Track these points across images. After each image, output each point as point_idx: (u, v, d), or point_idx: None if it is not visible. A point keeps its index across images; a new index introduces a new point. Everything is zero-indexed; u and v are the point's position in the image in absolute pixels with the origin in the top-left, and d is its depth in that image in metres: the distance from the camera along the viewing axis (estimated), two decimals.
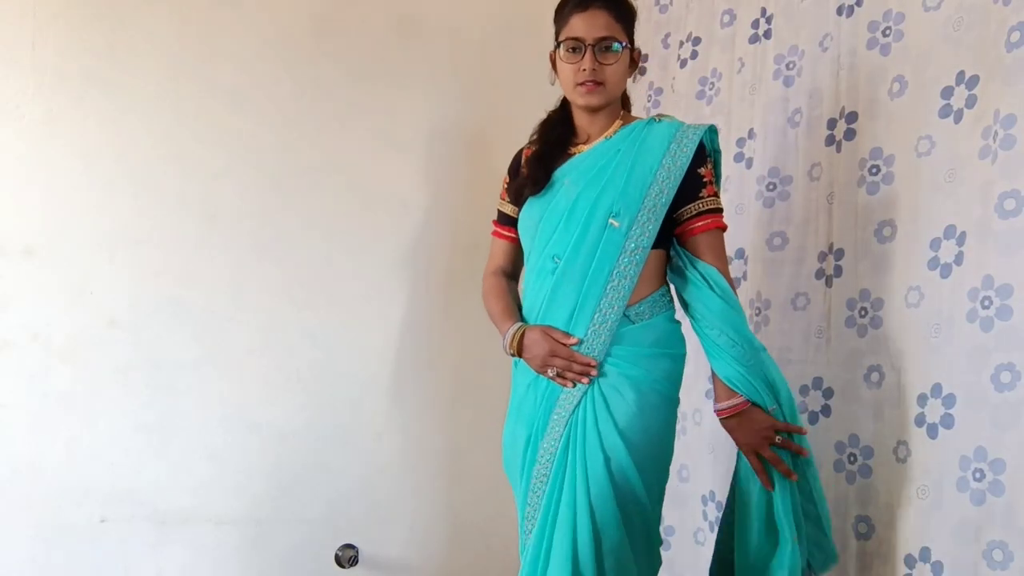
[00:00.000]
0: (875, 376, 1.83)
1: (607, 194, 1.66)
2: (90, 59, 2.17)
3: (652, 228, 1.66)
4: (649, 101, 2.57)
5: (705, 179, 1.70)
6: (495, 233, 1.90)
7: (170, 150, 2.23)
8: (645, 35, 2.60)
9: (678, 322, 1.74)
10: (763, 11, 2.18)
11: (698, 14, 2.41)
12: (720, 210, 1.71)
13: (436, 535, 2.48)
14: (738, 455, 1.72)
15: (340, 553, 2.37)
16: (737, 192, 2.20)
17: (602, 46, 1.67)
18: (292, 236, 2.34)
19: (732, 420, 1.66)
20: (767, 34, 2.16)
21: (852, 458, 1.87)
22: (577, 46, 1.67)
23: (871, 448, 1.83)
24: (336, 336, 2.38)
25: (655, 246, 1.68)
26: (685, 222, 1.69)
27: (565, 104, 1.81)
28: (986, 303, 1.56)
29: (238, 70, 2.29)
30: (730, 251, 2.21)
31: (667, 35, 2.53)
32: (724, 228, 1.72)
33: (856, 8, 1.93)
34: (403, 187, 2.41)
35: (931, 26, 1.75)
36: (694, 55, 2.41)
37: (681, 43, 2.46)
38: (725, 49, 2.30)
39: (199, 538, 2.27)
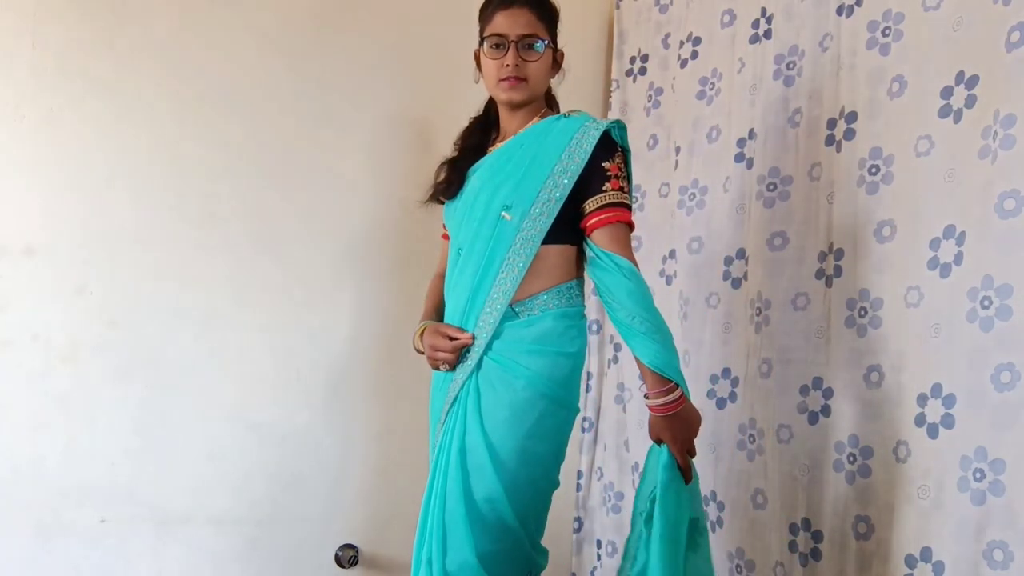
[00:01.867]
0: (875, 376, 1.83)
1: (503, 187, 1.69)
2: (90, 59, 2.17)
3: (544, 222, 1.65)
4: (649, 101, 2.57)
5: (610, 173, 1.67)
6: (444, 235, 1.94)
7: (170, 150, 2.24)
8: (645, 35, 2.60)
9: (575, 320, 1.70)
10: (763, 11, 2.17)
11: (698, 14, 2.41)
12: (625, 205, 1.67)
13: None
14: (650, 455, 1.67)
15: (340, 553, 2.37)
16: (738, 192, 2.20)
17: (525, 43, 1.69)
18: (292, 236, 2.35)
19: (669, 417, 1.60)
20: (767, 34, 2.16)
21: (852, 458, 1.87)
22: (501, 43, 1.69)
23: (871, 448, 1.83)
24: (336, 336, 2.38)
25: (561, 241, 1.68)
26: (588, 215, 1.66)
27: (488, 108, 1.85)
28: (986, 303, 1.56)
29: (238, 70, 2.30)
30: (730, 251, 2.21)
31: (667, 35, 2.53)
32: (629, 223, 1.68)
33: (856, 8, 1.93)
34: (404, 188, 2.41)
35: (931, 26, 1.75)
36: (694, 55, 2.41)
37: (681, 43, 2.46)
38: (725, 49, 2.30)
39: (199, 538, 2.27)
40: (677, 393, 1.60)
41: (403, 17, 2.46)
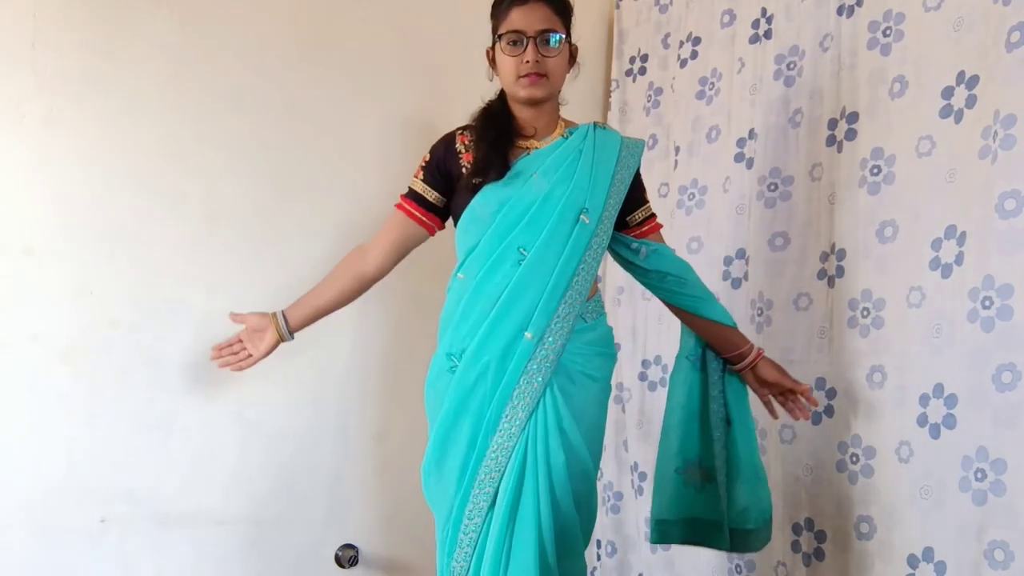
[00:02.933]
0: (877, 376, 1.83)
1: (579, 191, 1.69)
2: (90, 59, 2.16)
3: (610, 229, 1.75)
4: (649, 101, 2.57)
5: (644, 186, 1.86)
6: (400, 207, 1.86)
7: (170, 150, 2.23)
8: (645, 35, 2.60)
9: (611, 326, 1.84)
10: (763, 11, 2.18)
11: (698, 14, 2.41)
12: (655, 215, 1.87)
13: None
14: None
15: (340, 553, 2.37)
16: (738, 192, 2.20)
17: (543, 38, 1.67)
18: (292, 236, 2.34)
19: (765, 360, 1.84)
20: (767, 34, 2.16)
21: (854, 458, 1.87)
22: (518, 39, 1.67)
23: (873, 448, 1.83)
24: (336, 336, 2.38)
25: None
26: (639, 224, 1.83)
27: (502, 97, 1.80)
28: (987, 303, 1.56)
29: (238, 70, 2.29)
30: (730, 251, 2.22)
31: (667, 35, 2.53)
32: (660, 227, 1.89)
33: (856, 8, 1.93)
34: (404, 186, 2.41)
35: (931, 26, 1.76)
36: (694, 55, 2.41)
37: (681, 43, 2.46)
38: (725, 49, 2.30)
39: (199, 538, 2.26)
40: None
41: (405, 17, 2.46)
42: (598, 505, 1.87)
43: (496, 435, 1.64)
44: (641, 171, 1.84)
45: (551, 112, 1.77)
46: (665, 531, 1.92)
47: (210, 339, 2.25)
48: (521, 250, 1.67)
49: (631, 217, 1.82)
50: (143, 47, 2.20)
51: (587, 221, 1.68)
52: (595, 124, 1.80)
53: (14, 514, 2.12)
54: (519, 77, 1.69)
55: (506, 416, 1.64)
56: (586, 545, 1.74)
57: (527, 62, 1.67)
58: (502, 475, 1.63)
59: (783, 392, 1.85)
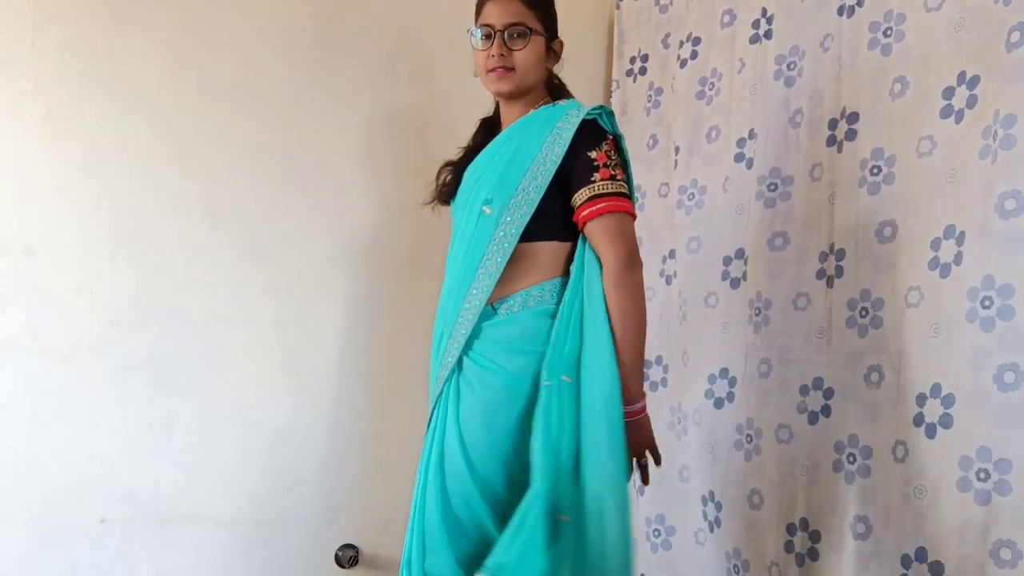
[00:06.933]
0: (875, 376, 1.83)
1: (486, 182, 1.66)
2: (90, 59, 2.16)
3: (522, 217, 1.60)
4: (649, 101, 2.57)
5: (598, 162, 1.59)
6: None
7: (170, 150, 2.23)
8: (645, 35, 2.60)
9: (552, 319, 1.63)
10: (764, 11, 2.18)
11: (698, 14, 2.40)
12: (619, 194, 1.60)
13: None
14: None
15: (340, 553, 2.37)
16: (738, 192, 2.20)
17: (512, 32, 1.66)
18: (292, 236, 2.34)
19: (640, 418, 1.64)
20: (768, 34, 2.16)
21: (851, 458, 1.87)
22: (489, 33, 1.67)
23: (870, 448, 1.83)
24: (336, 336, 2.38)
25: (547, 237, 1.63)
26: (578, 209, 1.61)
27: (497, 107, 1.81)
28: (986, 303, 1.56)
29: (238, 70, 2.29)
30: (730, 251, 2.21)
31: (667, 35, 2.52)
32: (627, 211, 1.61)
33: (857, 8, 1.93)
34: (404, 188, 2.41)
35: (932, 26, 1.76)
36: (694, 55, 2.41)
37: (681, 43, 2.46)
38: (725, 49, 2.30)
39: (199, 538, 2.26)
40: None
41: (403, 18, 2.46)
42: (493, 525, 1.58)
43: (427, 431, 1.69)
44: (622, 138, 1.68)
45: (526, 106, 1.72)
46: None
47: (210, 339, 2.27)
48: (456, 249, 1.72)
49: (574, 199, 1.62)
50: (143, 47, 2.21)
51: (488, 212, 1.63)
52: (553, 103, 1.70)
53: (14, 514, 2.12)
54: (487, 71, 1.68)
55: (432, 414, 1.68)
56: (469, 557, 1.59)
57: (493, 56, 1.66)
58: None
59: None
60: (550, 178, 1.60)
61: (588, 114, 1.62)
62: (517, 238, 1.61)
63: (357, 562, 2.38)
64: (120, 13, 2.19)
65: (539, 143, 1.62)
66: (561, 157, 1.60)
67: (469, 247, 1.65)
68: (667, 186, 2.48)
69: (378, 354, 2.43)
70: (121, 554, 2.20)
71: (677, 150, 2.44)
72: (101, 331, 2.18)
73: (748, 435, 2.12)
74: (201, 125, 2.26)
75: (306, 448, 2.36)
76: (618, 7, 2.70)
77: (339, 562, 2.36)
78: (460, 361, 1.64)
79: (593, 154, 1.60)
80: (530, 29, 1.67)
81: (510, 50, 1.66)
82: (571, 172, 1.61)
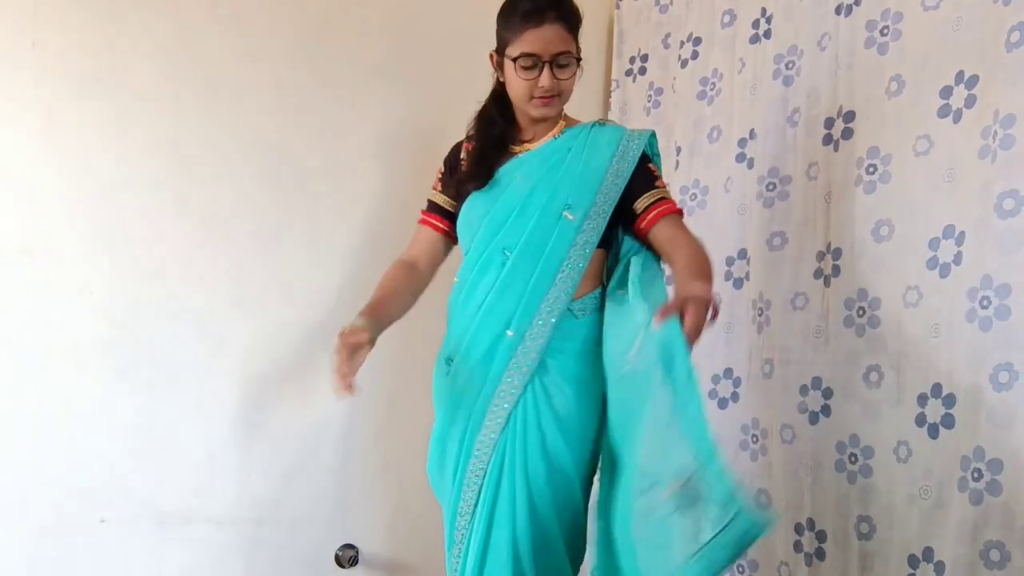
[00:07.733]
0: (874, 376, 1.83)
1: (563, 188, 1.67)
2: (90, 59, 2.17)
3: (601, 224, 1.68)
4: (649, 101, 2.57)
5: (655, 174, 1.74)
6: (423, 221, 1.89)
7: (170, 150, 2.23)
8: (645, 35, 2.60)
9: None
10: (763, 11, 2.17)
11: (698, 14, 2.40)
12: (673, 201, 1.74)
13: (436, 535, 2.47)
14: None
15: (340, 553, 2.37)
16: (739, 192, 2.20)
17: (559, 62, 1.66)
18: (292, 236, 2.34)
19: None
20: (767, 34, 2.16)
21: (853, 458, 1.87)
22: (535, 63, 1.64)
23: (871, 448, 1.83)
24: (335, 336, 2.37)
25: (603, 245, 1.70)
26: (646, 211, 1.70)
27: (499, 97, 1.78)
28: (985, 303, 1.56)
29: (239, 71, 2.29)
30: (732, 252, 2.21)
31: (667, 35, 2.52)
32: (681, 212, 1.74)
33: (855, 7, 1.93)
34: (404, 187, 2.41)
35: (930, 26, 1.76)
36: (695, 55, 2.41)
37: (681, 43, 2.46)
38: (726, 49, 2.30)
39: (199, 538, 2.27)
40: None
41: (405, 20, 2.46)
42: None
43: (480, 433, 1.65)
44: (659, 158, 1.80)
45: (555, 117, 1.76)
46: None
47: (210, 339, 2.27)
48: (505, 252, 1.68)
49: (636, 205, 1.71)
50: (143, 47, 2.21)
51: (571, 218, 1.66)
52: (597, 122, 1.78)
53: (14, 514, 2.13)
54: (532, 97, 1.68)
55: (490, 415, 1.65)
56: (575, 563, 1.70)
57: (543, 87, 1.65)
58: (485, 474, 1.64)
59: None
60: (621, 190, 1.69)
61: (649, 135, 1.77)
62: (596, 244, 1.68)
63: (357, 562, 2.38)
64: (120, 13, 2.19)
65: (607, 157, 1.70)
66: (631, 171, 1.70)
67: (544, 250, 1.65)
68: (668, 187, 2.48)
69: (378, 354, 2.42)
70: (121, 554, 2.20)
71: (679, 150, 2.44)
72: (101, 331, 2.18)
73: (754, 435, 2.12)
74: (201, 125, 2.26)
75: (306, 448, 2.36)
76: (618, 7, 2.70)
77: (339, 562, 2.37)
78: (542, 362, 1.64)
79: (651, 166, 1.74)
80: (575, 58, 1.69)
81: (558, 79, 1.67)
82: (632, 184, 1.70)
